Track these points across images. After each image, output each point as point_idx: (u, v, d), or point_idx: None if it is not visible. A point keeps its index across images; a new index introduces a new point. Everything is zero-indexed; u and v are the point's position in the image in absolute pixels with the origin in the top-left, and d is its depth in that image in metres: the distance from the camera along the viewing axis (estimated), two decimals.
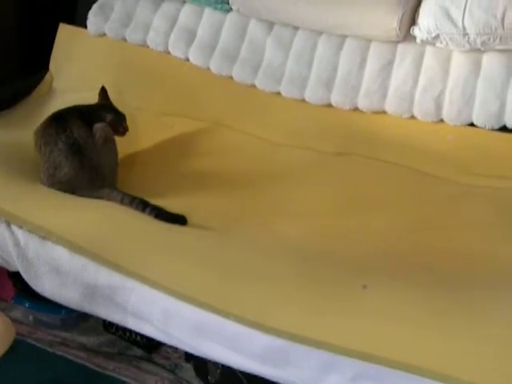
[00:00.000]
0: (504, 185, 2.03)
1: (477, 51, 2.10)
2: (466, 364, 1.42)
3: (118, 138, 2.12)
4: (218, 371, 1.97)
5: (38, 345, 2.18)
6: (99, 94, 2.22)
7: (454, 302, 1.55)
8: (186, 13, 2.49)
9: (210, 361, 1.89)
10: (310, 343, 1.53)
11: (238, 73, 2.36)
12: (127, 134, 2.16)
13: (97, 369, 2.11)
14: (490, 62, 2.10)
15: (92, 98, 2.20)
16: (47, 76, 2.62)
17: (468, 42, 2.08)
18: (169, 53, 2.48)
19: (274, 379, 1.62)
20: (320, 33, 2.30)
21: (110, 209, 1.90)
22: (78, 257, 1.79)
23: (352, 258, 1.78)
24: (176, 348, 1.97)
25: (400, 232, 1.85)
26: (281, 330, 1.56)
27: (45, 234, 1.82)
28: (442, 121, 2.15)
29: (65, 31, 2.63)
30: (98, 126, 2.07)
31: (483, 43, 2.06)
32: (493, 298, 1.56)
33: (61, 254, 1.81)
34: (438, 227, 1.89)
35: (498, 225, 1.88)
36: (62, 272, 1.83)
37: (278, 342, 1.56)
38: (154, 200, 1.92)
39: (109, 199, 1.94)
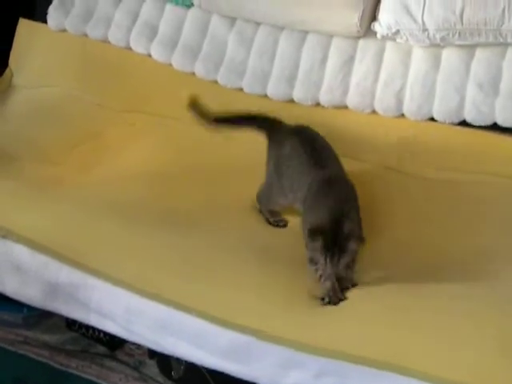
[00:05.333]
0: (463, 178, 2.06)
1: (436, 46, 2.13)
2: (427, 357, 1.44)
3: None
4: (182, 367, 1.97)
5: (0, 344, 2.16)
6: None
7: (416, 296, 1.57)
8: (148, 8, 2.48)
9: (173, 357, 1.90)
10: (273, 340, 1.54)
11: (200, 69, 2.36)
12: None
13: (60, 367, 2.10)
14: (450, 57, 2.12)
15: (52, 94, 2.17)
16: (7, 72, 2.58)
17: (428, 37, 2.10)
18: (130, 48, 2.46)
19: (237, 375, 1.63)
20: (282, 28, 2.30)
21: (70, 207, 1.89)
22: (39, 255, 1.77)
23: None
24: (139, 345, 1.96)
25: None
26: (244, 326, 1.57)
27: (5, 233, 1.81)
28: (402, 116, 2.17)
29: (25, 26, 2.60)
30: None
31: (442, 39, 2.08)
32: (448, 291, 1.59)
33: (21, 252, 1.80)
34: (399, 221, 1.91)
35: (460, 218, 1.90)
36: (22, 270, 1.81)
37: (242, 339, 1.57)
38: (116, 198, 1.91)
39: None
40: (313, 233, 1.59)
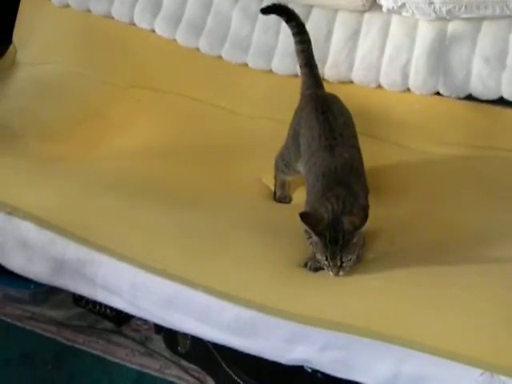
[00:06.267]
0: (470, 153, 2.05)
1: (442, 20, 2.11)
2: (434, 331, 1.45)
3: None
4: (188, 342, 1.98)
5: (8, 320, 2.18)
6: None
7: (422, 271, 1.57)
8: None
9: (179, 332, 1.91)
10: (278, 314, 1.54)
11: (205, 44, 2.34)
12: None
13: (67, 342, 2.12)
14: (456, 30, 2.10)
15: (56, 71, 2.16)
16: (10, 48, 2.58)
17: (434, 10, 2.08)
18: (134, 24, 2.44)
19: (243, 350, 1.64)
20: (286, 2, 2.28)
21: (76, 183, 1.89)
22: (46, 231, 1.78)
23: None
24: (146, 320, 1.97)
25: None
26: (249, 300, 1.57)
27: (11, 210, 1.81)
28: (408, 90, 2.15)
29: (28, 3, 2.59)
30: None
31: (448, 12, 2.06)
32: (459, 268, 1.59)
33: (28, 229, 1.80)
34: (405, 196, 1.91)
35: (466, 193, 1.90)
36: (29, 246, 1.82)
37: (247, 313, 1.57)
38: (121, 174, 1.90)
39: None
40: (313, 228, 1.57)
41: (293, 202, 1.94)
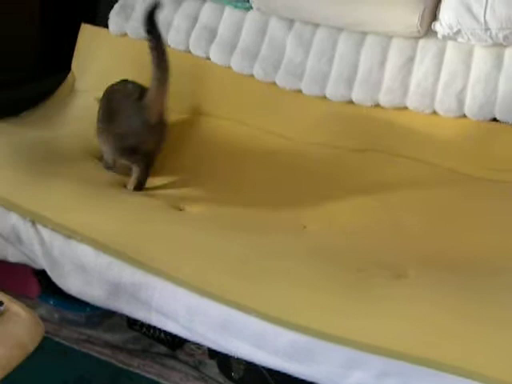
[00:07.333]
0: None
1: (499, 46, 2.10)
2: (494, 361, 1.42)
3: None
4: (242, 367, 1.98)
5: (64, 342, 2.20)
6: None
7: (472, 299, 1.55)
8: (207, 12, 2.50)
9: (233, 357, 1.90)
10: (335, 340, 1.53)
11: (259, 71, 2.37)
12: None
13: (121, 366, 2.12)
14: None
15: None
16: (69, 76, 2.63)
17: (490, 36, 2.07)
18: (190, 52, 2.49)
19: (297, 375, 1.63)
20: (340, 30, 2.30)
21: (132, 207, 1.92)
22: (103, 255, 1.80)
23: (377, 256, 1.78)
24: (200, 345, 1.97)
25: (423, 226, 1.85)
26: (305, 326, 1.56)
27: (69, 233, 1.84)
28: (464, 116, 2.14)
29: (87, 31, 2.65)
30: None
31: (505, 38, 2.05)
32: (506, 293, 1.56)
33: (86, 252, 1.82)
34: (459, 222, 1.89)
35: None
36: (87, 270, 1.84)
37: (303, 339, 1.57)
38: (178, 198, 1.95)
39: None
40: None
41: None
